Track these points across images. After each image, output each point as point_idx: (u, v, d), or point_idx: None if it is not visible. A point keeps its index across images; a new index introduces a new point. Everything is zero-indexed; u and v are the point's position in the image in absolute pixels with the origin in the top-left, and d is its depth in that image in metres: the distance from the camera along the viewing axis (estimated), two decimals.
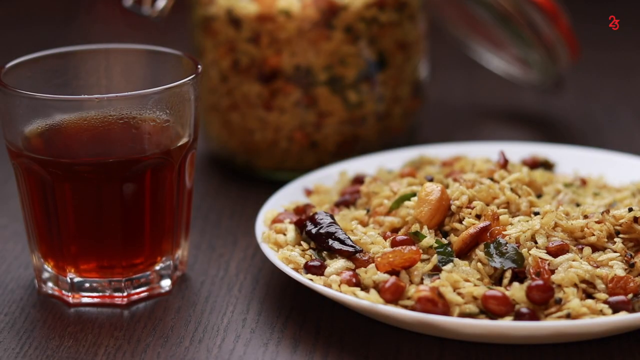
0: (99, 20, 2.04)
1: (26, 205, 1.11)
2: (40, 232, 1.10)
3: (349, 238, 1.08)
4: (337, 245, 1.08)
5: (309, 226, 1.11)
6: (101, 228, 1.08)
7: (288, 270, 1.06)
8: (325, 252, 1.08)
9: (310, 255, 1.08)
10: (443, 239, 1.08)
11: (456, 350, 1.02)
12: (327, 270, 1.06)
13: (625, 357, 1.02)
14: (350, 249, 1.07)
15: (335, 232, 1.09)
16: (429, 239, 1.06)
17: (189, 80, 1.09)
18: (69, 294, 1.10)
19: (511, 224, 1.08)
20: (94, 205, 1.08)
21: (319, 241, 1.09)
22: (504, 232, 1.06)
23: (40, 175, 1.08)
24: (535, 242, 1.06)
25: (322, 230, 1.09)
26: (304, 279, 1.05)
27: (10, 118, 1.07)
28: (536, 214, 1.09)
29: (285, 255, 1.08)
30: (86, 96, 1.07)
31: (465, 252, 1.06)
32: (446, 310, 1.00)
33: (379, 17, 1.32)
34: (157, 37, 1.86)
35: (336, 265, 1.06)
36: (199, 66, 1.11)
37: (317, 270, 1.06)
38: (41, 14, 2.07)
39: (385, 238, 1.09)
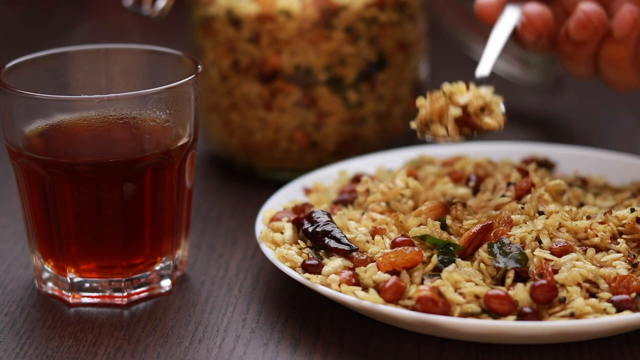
0: (100, 20, 2.04)
1: (26, 205, 1.10)
2: (40, 232, 1.10)
3: (344, 236, 1.08)
4: (333, 243, 1.08)
5: (306, 224, 1.11)
6: (101, 228, 1.08)
7: (285, 268, 1.06)
8: (322, 250, 1.08)
9: (308, 254, 1.08)
10: (445, 238, 1.08)
11: (456, 350, 1.02)
12: (325, 270, 1.05)
13: (626, 357, 1.02)
14: (346, 247, 1.07)
15: (332, 231, 1.09)
16: (425, 229, 1.06)
17: (189, 80, 1.09)
18: (69, 294, 1.10)
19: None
20: (94, 206, 1.07)
21: (315, 239, 1.09)
22: (508, 233, 1.06)
23: (40, 175, 1.07)
24: (540, 243, 1.06)
25: (318, 229, 1.09)
26: (301, 277, 1.05)
27: (10, 118, 1.07)
28: (540, 213, 1.09)
29: (282, 253, 1.08)
30: (86, 96, 1.07)
31: (468, 253, 1.06)
32: (447, 310, 1.00)
33: (379, 17, 1.32)
34: (157, 37, 1.86)
35: (333, 264, 1.06)
36: (199, 66, 1.11)
37: (315, 269, 1.06)
38: (41, 14, 2.07)
39: (373, 235, 1.09)
